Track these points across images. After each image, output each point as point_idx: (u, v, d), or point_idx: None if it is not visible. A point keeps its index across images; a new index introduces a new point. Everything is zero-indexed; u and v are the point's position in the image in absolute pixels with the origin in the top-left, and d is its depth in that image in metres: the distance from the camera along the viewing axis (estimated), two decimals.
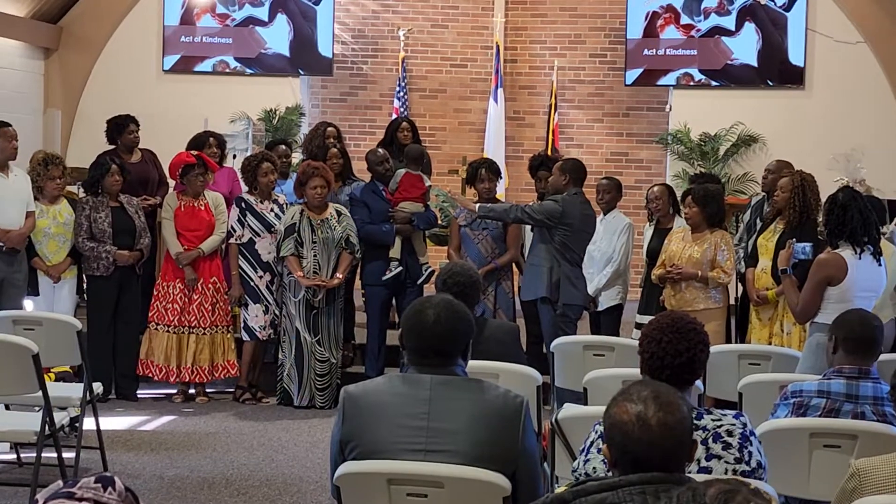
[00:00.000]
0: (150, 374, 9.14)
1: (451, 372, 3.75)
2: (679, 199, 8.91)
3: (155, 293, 9.20)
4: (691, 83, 13.01)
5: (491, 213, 8.83)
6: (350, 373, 9.35)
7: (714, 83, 12.97)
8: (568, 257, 8.66)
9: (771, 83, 12.86)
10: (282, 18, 13.39)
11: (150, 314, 9.17)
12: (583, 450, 3.74)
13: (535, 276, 8.72)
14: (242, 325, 9.20)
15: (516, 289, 9.36)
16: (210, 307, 9.15)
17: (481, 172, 9.15)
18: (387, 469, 3.65)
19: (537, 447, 3.89)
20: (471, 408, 3.67)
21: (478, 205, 8.85)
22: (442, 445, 3.64)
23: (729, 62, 12.88)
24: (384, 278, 9.21)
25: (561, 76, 13.58)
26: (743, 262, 8.49)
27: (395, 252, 9.23)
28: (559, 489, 2.78)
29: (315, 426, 8.51)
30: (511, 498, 3.64)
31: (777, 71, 12.81)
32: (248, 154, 11.09)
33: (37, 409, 6.39)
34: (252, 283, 9.12)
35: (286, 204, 9.30)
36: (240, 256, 9.14)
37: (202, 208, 9.19)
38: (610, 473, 3.02)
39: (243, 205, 9.13)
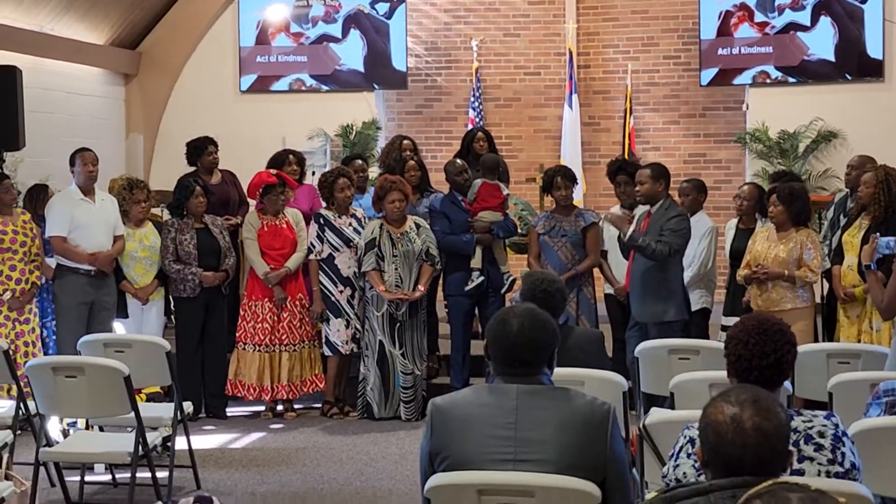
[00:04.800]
0: (241, 394, 9.23)
1: (538, 381, 3.76)
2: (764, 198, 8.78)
3: (242, 313, 9.28)
4: (768, 80, 12.89)
5: (639, 249, 8.17)
6: (435, 384, 9.38)
7: (791, 79, 12.84)
8: (682, 268, 8.44)
9: (849, 77, 12.69)
10: (355, 34, 13.50)
11: (237, 334, 9.26)
12: (672, 455, 3.72)
13: (675, 295, 8.23)
14: (324, 340, 9.26)
15: (599, 294, 9.30)
16: (298, 323, 9.23)
17: (557, 180, 9.11)
18: (477, 480, 3.66)
19: (626, 453, 3.88)
20: (558, 416, 3.67)
21: (630, 231, 8.25)
22: (530, 455, 3.64)
23: (805, 58, 12.74)
24: (466, 289, 9.23)
25: (635, 79, 13.52)
26: (828, 260, 8.39)
27: (476, 262, 9.24)
28: (649, 495, 2.77)
29: (402, 438, 8.55)
30: None
31: (855, 64, 12.65)
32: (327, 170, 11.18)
33: (129, 429, 6.50)
34: (333, 298, 9.18)
35: (364, 218, 9.35)
36: (320, 272, 9.21)
37: (284, 226, 9.27)
38: (701, 478, 3.00)
39: (322, 221, 9.20)
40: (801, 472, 3.62)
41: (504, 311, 3.89)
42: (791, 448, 2.84)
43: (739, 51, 12.93)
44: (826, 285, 8.62)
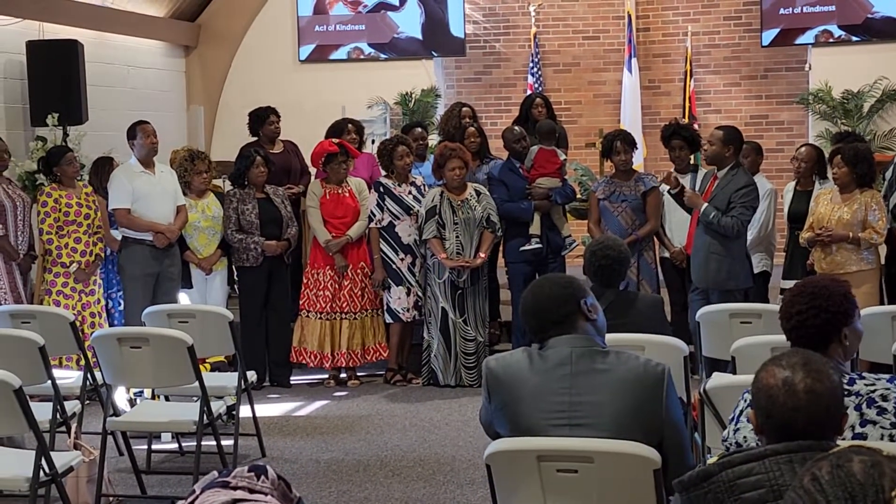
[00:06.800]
0: (305, 361, 9.31)
1: (590, 342, 3.76)
2: (827, 159, 8.64)
3: (304, 281, 9.36)
4: (831, 40, 12.70)
5: (710, 225, 8.01)
6: (497, 350, 9.40)
7: (854, 38, 12.64)
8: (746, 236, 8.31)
9: None
10: (413, 2, 13.47)
11: (300, 302, 9.33)
12: (732, 419, 3.70)
13: (738, 263, 8.12)
14: (386, 307, 9.31)
15: (658, 259, 9.24)
16: (359, 292, 9.28)
17: (616, 145, 9.06)
18: (536, 446, 3.67)
19: (684, 417, 3.87)
20: (612, 378, 3.67)
21: (704, 207, 8.03)
22: (585, 419, 3.64)
23: (869, 15, 12.53)
24: (521, 248, 9.21)
25: (695, 41, 13.39)
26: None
27: (534, 228, 9.23)
28: (710, 460, 2.76)
29: (465, 405, 8.57)
30: (661, 470, 3.63)
31: None
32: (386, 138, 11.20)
33: (195, 399, 6.57)
34: (394, 266, 9.22)
35: (424, 186, 9.37)
36: (381, 240, 9.24)
37: (346, 195, 9.30)
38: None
39: (381, 189, 9.23)
40: (863, 436, 3.58)
41: (524, 293, 3.94)
42: (846, 411, 2.82)
43: (801, 10, 12.74)
44: (886, 247, 8.49)
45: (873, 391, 3.62)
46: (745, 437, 3.59)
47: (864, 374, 3.73)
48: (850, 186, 7.95)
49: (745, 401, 3.66)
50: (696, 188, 8.39)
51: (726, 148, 8.08)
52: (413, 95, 13.14)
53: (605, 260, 5.55)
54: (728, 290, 7.97)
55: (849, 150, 8.03)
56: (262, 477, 2.32)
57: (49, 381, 6.08)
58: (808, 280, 3.86)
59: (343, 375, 9.48)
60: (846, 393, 3.40)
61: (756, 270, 8.70)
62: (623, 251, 5.68)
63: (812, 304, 3.66)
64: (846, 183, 7.95)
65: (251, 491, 2.28)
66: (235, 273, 9.59)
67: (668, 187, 8.48)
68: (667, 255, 9.16)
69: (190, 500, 2.30)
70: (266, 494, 2.30)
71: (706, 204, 8.03)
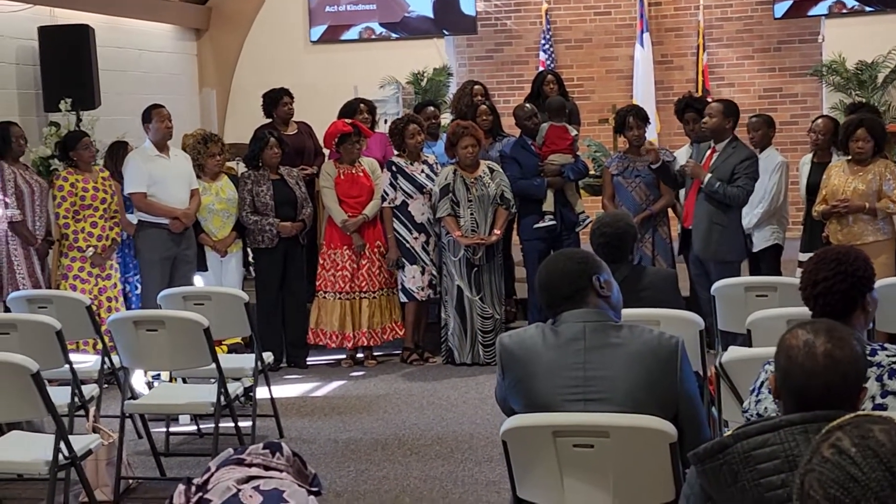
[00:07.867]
0: (323, 342, 9.32)
1: (603, 316, 3.75)
2: (842, 131, 8.56)
3: (321, 261, 9.36)
4: (844, 11, 12.63)
5: (716, 195, 8.13)
6: (513, 327, 9.39)
7: (868, 8, 12.56)
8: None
9: None
10: None
11: (317, 282, 9.34)
12: (753, 390, 3.70)
13: (737, 235, 8.28)
14: (400, 286, 9.31)
15: (674, 234, 9.22)
16: (377, 270, 9.28)
17: (629, 120, 9.03)
18: (552, 421, 3.66)
19: (700, 391, 3.87)
20: (625, 352, 3.66)
21: (707, 177, 8.15)
22: (600, 393, 3.64)
23: None
24: (535, 226, 9.21)
25: (707, 15, 13.33)
26: None
27: (548, 205, 9.22)
28: (728, 433, 2.76)
29: (482, 383, 8.58)
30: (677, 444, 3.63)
31: None
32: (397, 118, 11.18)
33: (212, 381, 6.59)
34: (407, 245, 9.22)
35: (436, 164, 9.36)
36: (394, 219, 9.24)
37: (360, 174, 9.30)
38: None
39: (394, 168, 9.22)
40: (883, 407, 3.57)
41: (539, 268, 3.95)
42: (866, 385, 2.80)
43: None
44: None
45: (895, 362, 3.61)
46: (766, 408, 3.59)
47: (886, 344, 3.72)
48: (871, 159, 7.93)
49: (766, 372, 3.66)
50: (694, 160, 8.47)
51: (727, 120, 8.20)
52: (425, 74, 13.11)
53: (602, 238, 5.55)
54: (728, 263, 8.02)
55: (876, 124, 8.00)
56: (277, 454, 2.33)
57: (66, 366, 6.09)
58: (827, 249, 3.86)
59: (360, 355, 9.50)
60: (868, 365, 3.39)
61: (768, 243, 8.72)
62: (621, 226, 5.63)
63: (838, 270, 3.68)
64: (871, 155, 7.92)
65: (266, 468, 2.29)
66: (251, 255, 9.61)
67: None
68: None
69: (205, 477, 2.30)
70: (281, 471, 2.30)
71: (709, 175, 8.05)
